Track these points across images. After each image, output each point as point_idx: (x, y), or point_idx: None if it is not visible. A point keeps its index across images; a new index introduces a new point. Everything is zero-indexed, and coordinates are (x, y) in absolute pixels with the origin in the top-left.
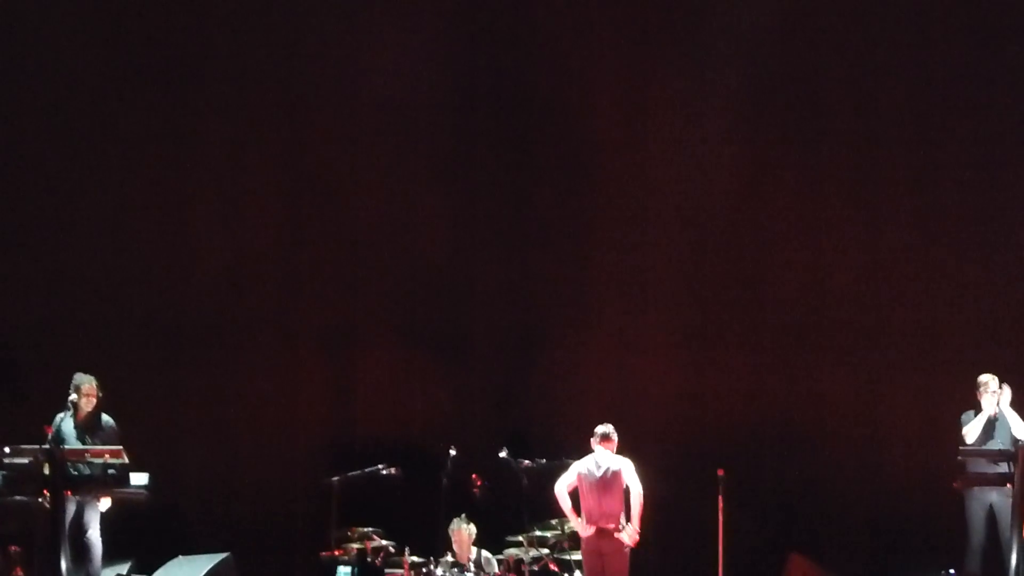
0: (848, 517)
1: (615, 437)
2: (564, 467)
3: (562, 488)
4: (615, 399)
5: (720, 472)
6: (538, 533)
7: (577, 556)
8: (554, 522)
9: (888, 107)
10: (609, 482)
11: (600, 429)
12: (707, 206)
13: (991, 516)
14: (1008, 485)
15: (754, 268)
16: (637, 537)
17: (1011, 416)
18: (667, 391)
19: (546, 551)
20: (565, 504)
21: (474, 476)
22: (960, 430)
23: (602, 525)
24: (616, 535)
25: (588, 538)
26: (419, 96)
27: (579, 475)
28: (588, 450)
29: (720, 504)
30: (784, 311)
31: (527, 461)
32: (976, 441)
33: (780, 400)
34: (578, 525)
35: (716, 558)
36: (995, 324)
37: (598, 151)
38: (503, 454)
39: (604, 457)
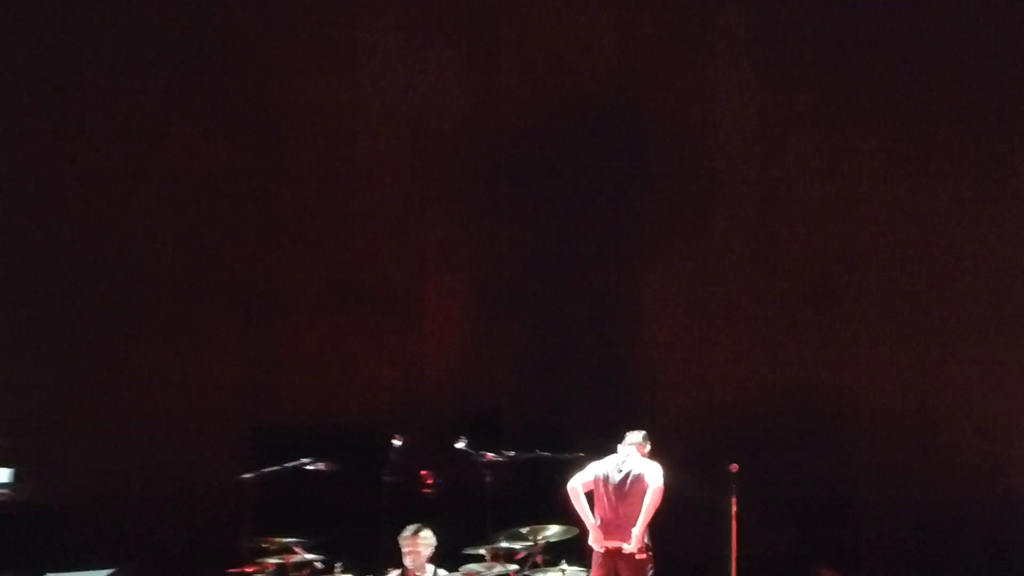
0: (892, 523)
1: (647, 446)
2: (538, 461)
3: (577, 485)
4: (601, 379)
5: (734, 468)
6: (504, 545)
7: (553, 573)
8: (524, 531)
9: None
10: (630, 488)
11: (631, 436)
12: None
13: None
14: None
15: (771, 225)
16: (640, 544)
17: None
18: (668, 371)
19: (514, 567)
20: (580, 505)
21: (424, 473)
22: None
23: (618, 539)
24: (637, 557)
25: (602, 555)
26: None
27: (596, 477)
28: (568, 439)
29: (734, 506)
30: (809, 275)
31: (491, 454)
32: None
33: (809, 382)
34: (592, 534)
35: (728, 570)
36: None
37: None
38: (461, 445)
39: (629, 459)
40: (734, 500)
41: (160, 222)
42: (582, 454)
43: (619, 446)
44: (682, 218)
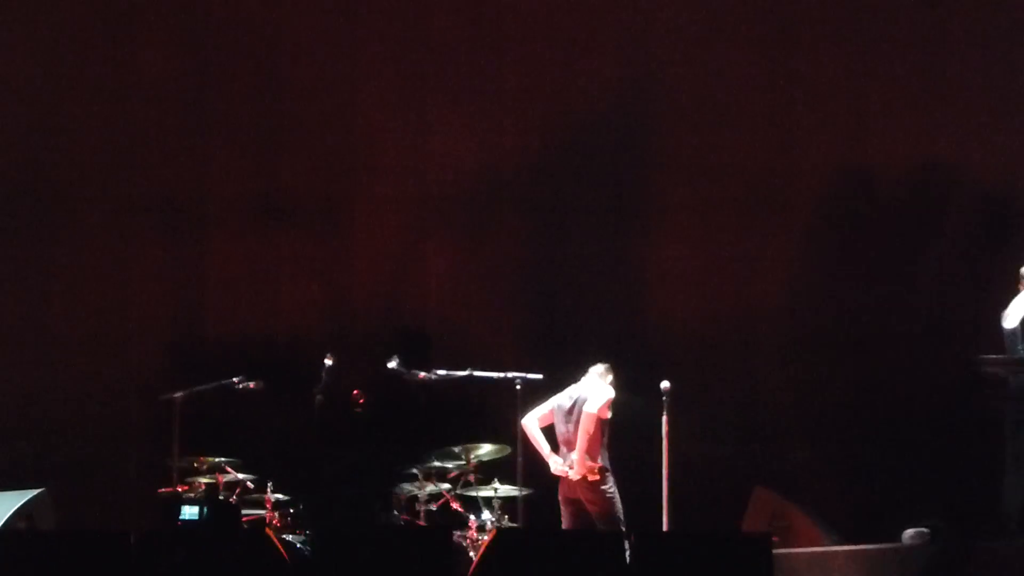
0: (834, 443)
1: (609, 377)
2: (472, 381)
3: (532, 421)
4: (539, 291)
5: (665, 385)
6: (437, 464)
7: (485, 492)
8: (457, 449)
9: None
10: (575, 415)
11: (592, 369)
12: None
13: None
14: None
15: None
16: (583, 469)
17: None
18: (600, 278)
19: (446, 486)
20: (534, 439)
21: (356, 392)
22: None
23: (568, 466)
24: (590, 478)
25: (560, 483)
26: None
27: (552, 408)
28: (506, 358)
29: (665, 425)
30: (750, 178)
31: (424, 373)
32: (1012, 346)
33: (752, 290)
34: (552, 464)
35: (660, 492)
36: None
37: None
38: (393, 364)
39: (582, 386)
40: (665, 419)
41: (79, 135)
42: (516, 374)
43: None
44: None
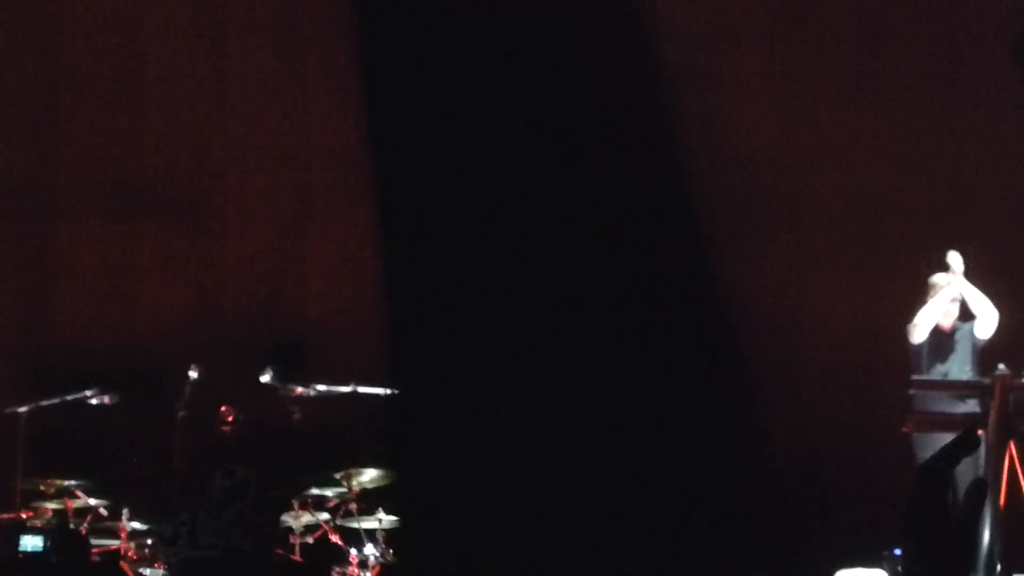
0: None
1: None
2: (354, 397)
3: None
4: (427, 301)
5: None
6: (315, 492)
7: (368, 523)
8: (337, 475)
9: None
10: None
11: None
12: None
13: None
14: (980, 432)
15: None
16: None
17: (968, 292)
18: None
19: (325, 516)
20: None
21: (223, 409)
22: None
23: None
24: None
25: None
26: None
27: None
28: (390, 372)
29: None
30: None
31: (301, 388)
32: (925, 357)
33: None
34: None
35: None
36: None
37: None
38: (266, 378)
39: None
40: None
41: None
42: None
43: None
44: None
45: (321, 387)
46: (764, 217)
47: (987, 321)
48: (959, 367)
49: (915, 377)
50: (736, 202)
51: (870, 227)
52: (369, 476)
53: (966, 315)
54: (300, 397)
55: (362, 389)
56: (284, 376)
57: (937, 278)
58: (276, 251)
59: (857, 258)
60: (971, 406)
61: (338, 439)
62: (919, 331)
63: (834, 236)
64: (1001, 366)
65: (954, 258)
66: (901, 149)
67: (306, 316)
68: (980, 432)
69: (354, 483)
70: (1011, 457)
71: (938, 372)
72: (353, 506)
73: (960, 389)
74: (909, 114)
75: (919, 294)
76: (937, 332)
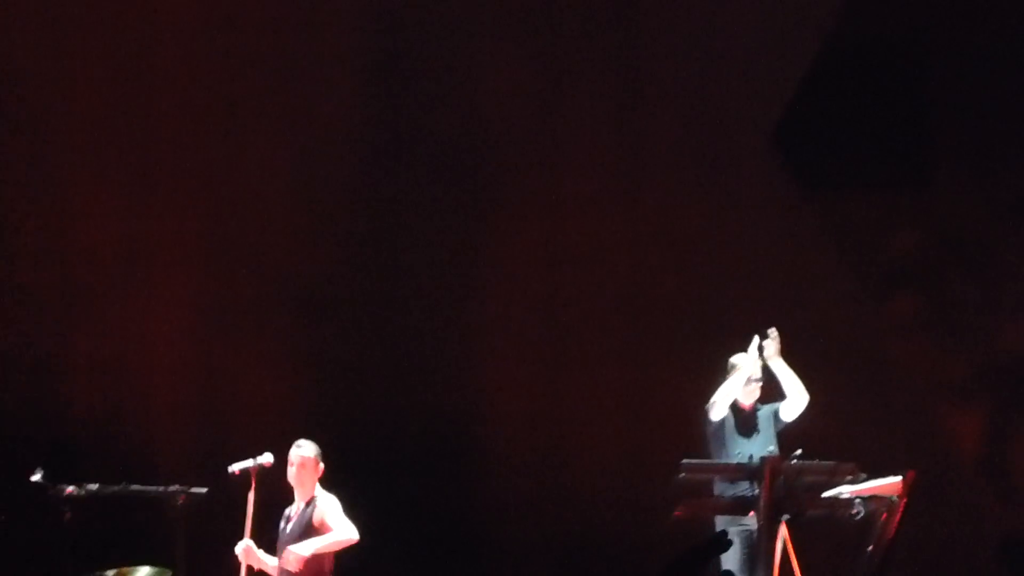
0: (523, 558)
1: (313, 459)
2: (127, 495)
3: None
4: (211, 390)
5: None
6: None
7: None
8: (111, 573)
9: None
10: (298, 536)
11: (292, 452)
12: None
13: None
14: (751, 513)
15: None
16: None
17: (777, 367)
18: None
19: None
20: None
21: None
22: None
23: None
24: None
25: None
26: None
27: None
28: (163, 469)
29: None
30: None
31: (72, 487)
32: (727, 436)
33: (421, 395)
34: None
35: None
36: (720, 286)
37: None
38: (36, 477)
39: (299, 498)
40: None
41: None
42: (178, 487)
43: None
44: None
45: (93, 486)
46: (526, 304)
47: (795, 403)
48: (761, 447)
49: (686, 460)
50: (497, 287)
51: (630, 313)
52: (142, 574)
53: (777, 396)
54: (71, 496)
55: (135, 486)
56: (55, 475)
57: (737, 359)
58: (45, 344)
59: (618, 348)
60: (743, 488)
61: (111, 538)
62: (717, 408)
63: (596, 320)
64: (798, 451)
65: (771, 338)
66: (658, 235)
67: (76, 412)
68: (752, 514)
69: None
70: (783, 539)
71: (742, 452)
72: None
73: (731, 472)
74: (665, 199)
75: (709, 377)
76: (739, 411)
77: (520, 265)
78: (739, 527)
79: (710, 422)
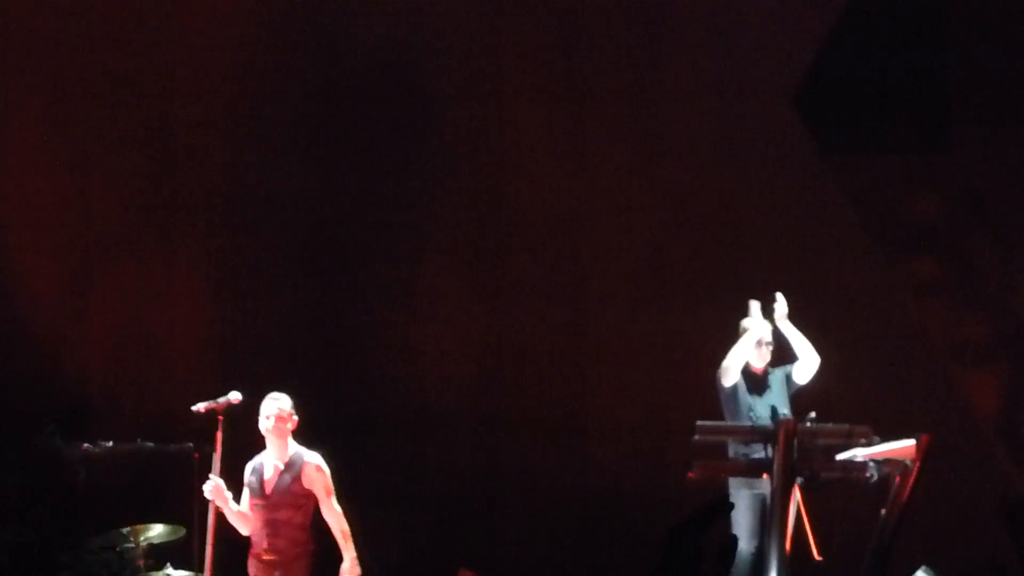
0: (539, 521)
1: (289, 412)
2: (144, 453)
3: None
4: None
5: None
6: (102, 549)
7: None
8: (125, 531)
9: None
10: (281, 494)
11: (266, 404)
12: None
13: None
14: (764, 476)
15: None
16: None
17: (788, 330)
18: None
19: None
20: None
21: None
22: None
23: (266, 557)
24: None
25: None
26: None
27: (246, 483)
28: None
29: None
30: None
31: (87, 444)
32: (740, 399)
33: (439, 359)
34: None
35: None
36: (740, 248)
37: None
38: (51, 434)
39: (274, 452)
40: None
41: None
42: (191, 444)
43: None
44: None
45: (107, 443)
46: (547, 270)
47: (807, 365)
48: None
49: (700, 423)
50: (522, 252)
51: (649, 276)
52: (156, 532)
53: (788, 359)
54: (85, 453)
55: (148, 444)
56: (69, 433)
57: (747, 322)
58: (59, 300)
59: (639, 309)
60: (757, 451)
61: (125, 495)
62: (730, 374)
63: (614, 284)
64: (812, 414)
65: (778, 301)
66: (680, 202)
67: (92, 369)
68: (765, 476)
69: (141, 539)
70: (797, 502)
71: (755, 414)
72: (141, 562)
73: (745, 434)
74: (686, 160)
75: (725, 340)
76: (751, 374)
77: (542, 225)
78: (751, 491)
79: (723, 387)
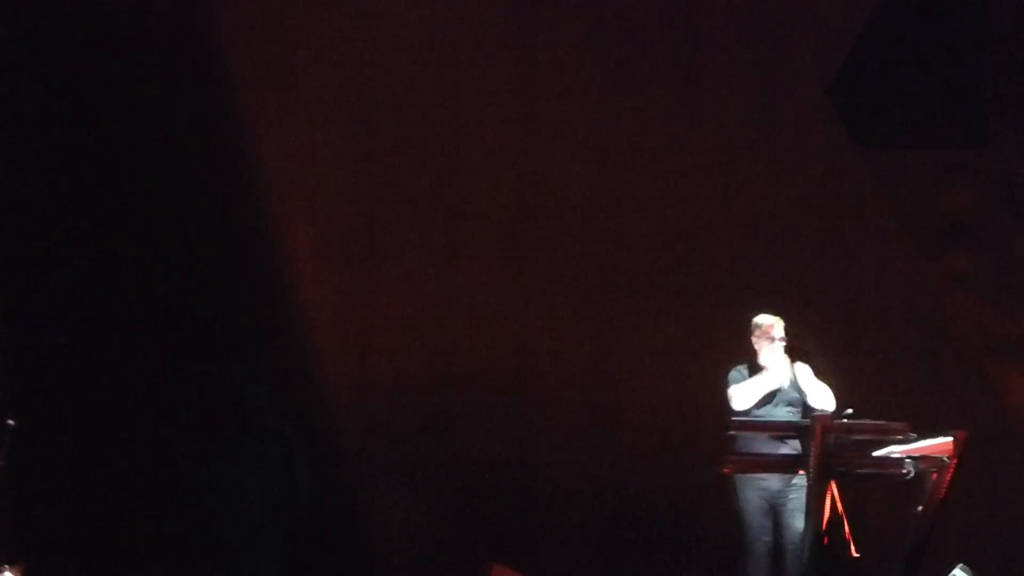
0: (572, 514)
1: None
2: None
3: None
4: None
5: None
6: None
7: None
8: None
9: None
10: None
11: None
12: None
13: (774, 513)
14: (800, 472)
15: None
16: None
17: (803, 374)
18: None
19: None
20: None
21: None
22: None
23: None
24: None
25: None
26: None
27: None
28: None
29: None
30: (473, 220)
31: None
32: (749, 408)
33: (473, 352)
34: None
35: None
36: (774, 240)
37: None
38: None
39: None
40: None
41: None
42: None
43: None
44: None
45: None
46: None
47: (822, 405)
48: (781, 414)
49: (736, 418)
50: (556, 246)
51: (683, 268)
52: None
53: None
54: None
55: None
56: None
57: (761, 319)
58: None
59: (671, 300)
60: (791, 447)
61: None
62: (739, 405)
63: (648, 276)
64: (849, 410)
65: (776, 328)
66: (714, 195)
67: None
68: (800, 473)
69: None
70: (832, 497)
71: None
72: None
73: (780, 430)
74: (720, 151)
75: (739, 335)
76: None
77: (576, 218)
78: (758, 485)
79: (731, 409)
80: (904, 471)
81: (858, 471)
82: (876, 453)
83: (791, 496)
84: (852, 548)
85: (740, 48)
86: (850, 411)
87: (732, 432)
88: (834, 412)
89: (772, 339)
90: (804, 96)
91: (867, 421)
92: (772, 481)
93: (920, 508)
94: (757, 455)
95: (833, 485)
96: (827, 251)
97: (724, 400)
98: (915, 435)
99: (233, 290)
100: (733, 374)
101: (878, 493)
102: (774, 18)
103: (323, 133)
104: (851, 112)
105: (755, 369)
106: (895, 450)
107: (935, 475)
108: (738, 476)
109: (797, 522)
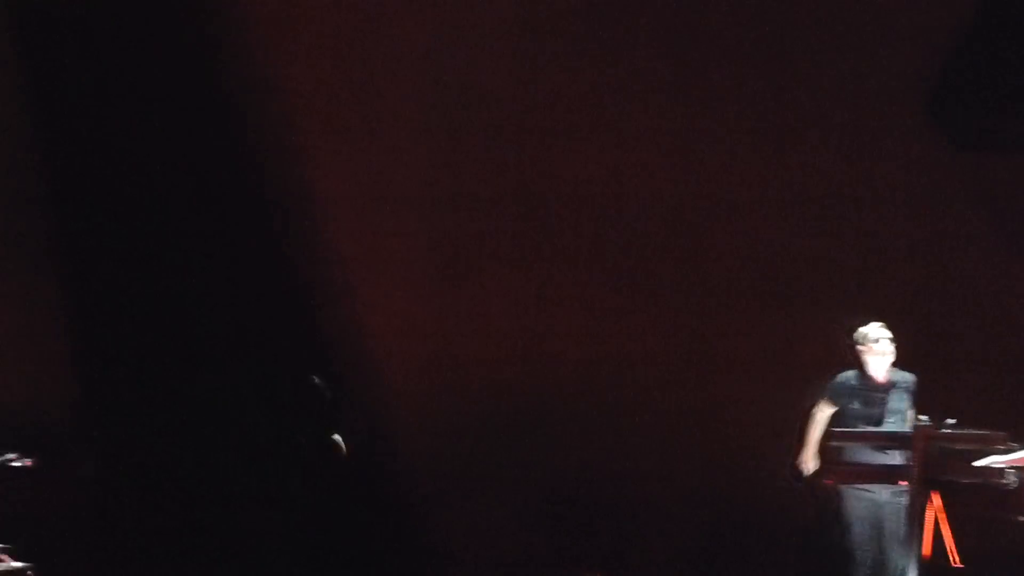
0: (664, 525)
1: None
2: None
3: None
4: None
5: None
6: None
7: None
8: None
9: None
10: None
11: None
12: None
13: (878, 523)
14: (901, 483)
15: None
16: None
17: (907, 384)
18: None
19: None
20: None
21: None
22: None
23: None
24: None
25: None
26: None
27: None
28: None
29: None
30: (561, 228)
31: None
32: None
33: (556, 360)
34: None
35: None
36: (870, 247)
37: None
38: None
39: None
40: None
41: None
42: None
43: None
44: None
45: None
46: (671, 272)
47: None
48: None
49: (838, 429)
50: (644, 254)
51: (774, 276)
52: None
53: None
54: None
55: None
56: None
57: (870, 331)
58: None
59: (764, 309)
60: (893, 457)
61: None
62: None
63: (739, 284)
64: (950, 420)
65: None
66: (807, 201)
67: None
68: (903, 483)
69: None
70: (935, 509)
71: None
72: None
73: (882, 440)
74: (812, 157)
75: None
76: (866, 389)
77: (664, 226)
78: (864, 496)
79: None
80: (1005, 481)
81: (960, 481)
82: (977, 463)
83: (895, 506)
84: (954, 558)
85: (834, 55)
86: (952, 421)
87: (835, 443)
88: (936, 422)
89: (883, 353)
90: (900, 102)
91: (968, 431)
92: (879, 492)
93: (1022, 518)
94: (859, 465)
95: (935, 495)
96: (923, 258)
97: (816, 406)
98: (1016, 445)
99: (327, 302)
100: (839, 381)
101: (980, 504)
102: (868, 24)
103: (408, 141)
104: (948, 118)
105: (864, 379)
106: (996, 460)
107: None
108: (842, 486)
109: (900, 532)
